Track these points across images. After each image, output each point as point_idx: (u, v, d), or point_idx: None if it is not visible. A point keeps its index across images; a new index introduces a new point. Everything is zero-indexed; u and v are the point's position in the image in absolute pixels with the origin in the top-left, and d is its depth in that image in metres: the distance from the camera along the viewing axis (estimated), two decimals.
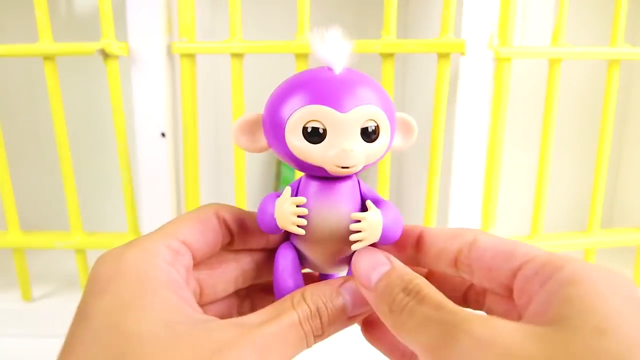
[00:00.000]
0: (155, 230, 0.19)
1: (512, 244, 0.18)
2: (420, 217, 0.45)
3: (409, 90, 0.61)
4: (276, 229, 0.20)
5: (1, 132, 0.45)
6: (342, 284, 0.20)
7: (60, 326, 0.46)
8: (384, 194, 0.45)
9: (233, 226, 0.22)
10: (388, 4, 0.41)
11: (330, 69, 0.20)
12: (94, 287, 0.16)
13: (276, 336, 0.17)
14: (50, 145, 0.48)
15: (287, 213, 0.19)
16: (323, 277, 0.24)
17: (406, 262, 0.20)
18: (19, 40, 0.43)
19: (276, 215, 0.20)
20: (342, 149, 0.19)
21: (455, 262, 0.20)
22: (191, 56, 0.43)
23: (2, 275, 0.53)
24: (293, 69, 0.43)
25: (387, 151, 0.21)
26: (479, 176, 0.45)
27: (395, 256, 0.20)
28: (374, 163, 0.20)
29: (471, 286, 0.21)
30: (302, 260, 0.22)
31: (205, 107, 0.53)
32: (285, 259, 0.21)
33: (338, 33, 0.20)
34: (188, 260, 0.19)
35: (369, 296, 0.19)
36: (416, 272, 0.19)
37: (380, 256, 0.19)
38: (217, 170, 0.63)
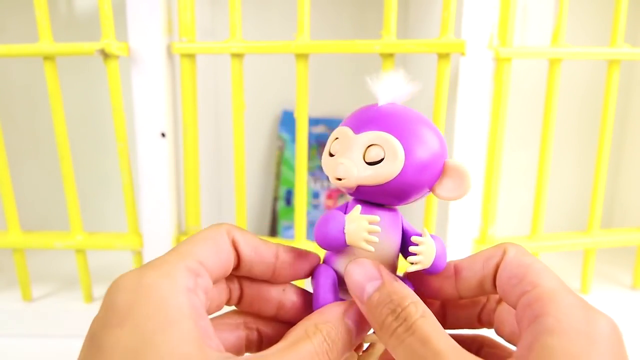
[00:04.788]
0: (171, 251, 0.19)
1: (527, 266, 0.19)
2: (421, 217, 0.45)
3: None
4: (342, 244, 0.20)
5: (1, 132, 0.45)
6: (345, 311, 0.20)
7: (60, 326, 0.46)
8: None
9: (244, 249, 0.21)
10: (388, 4, 0.41)
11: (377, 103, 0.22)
12: (112, 318, 0.15)
13: None
14: (50, 145, 0.48)
15: (360, 229, 0.20)
16: None
17: (449, 295, 0.21)
18: (19, 40, 0.43)
19: (347, 230, 0.20)
20: (337, 161, 0.21)
21: (495, 283, 0.20)
22: (191, 56, 0.43)
23: (2, 275, 0.53)
24: (293, 69, 0.43)
25: (414, 190, 0.21)
26: (479, 176, 0.45)
27: (439, 290, 0.22)
28: (392, 192, 0.21)
29: (483, 307, 0.22)
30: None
31: (205, 107, 0.53)
32: (325, 277, 0.22)
33: (397, 75, 0.22)
34: (207, 282, 0.19)
35: (361, 307, 0.20)
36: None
37: (373, 270, 0.20)
38: (217, 170, 0.63)
